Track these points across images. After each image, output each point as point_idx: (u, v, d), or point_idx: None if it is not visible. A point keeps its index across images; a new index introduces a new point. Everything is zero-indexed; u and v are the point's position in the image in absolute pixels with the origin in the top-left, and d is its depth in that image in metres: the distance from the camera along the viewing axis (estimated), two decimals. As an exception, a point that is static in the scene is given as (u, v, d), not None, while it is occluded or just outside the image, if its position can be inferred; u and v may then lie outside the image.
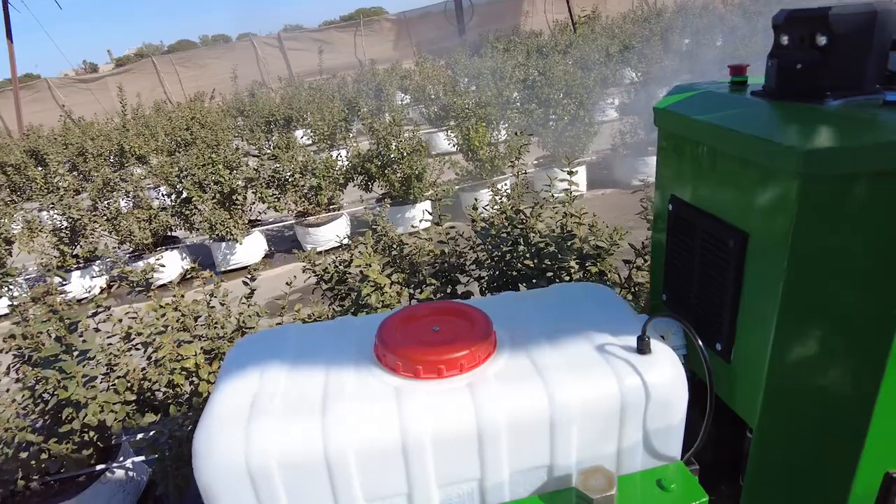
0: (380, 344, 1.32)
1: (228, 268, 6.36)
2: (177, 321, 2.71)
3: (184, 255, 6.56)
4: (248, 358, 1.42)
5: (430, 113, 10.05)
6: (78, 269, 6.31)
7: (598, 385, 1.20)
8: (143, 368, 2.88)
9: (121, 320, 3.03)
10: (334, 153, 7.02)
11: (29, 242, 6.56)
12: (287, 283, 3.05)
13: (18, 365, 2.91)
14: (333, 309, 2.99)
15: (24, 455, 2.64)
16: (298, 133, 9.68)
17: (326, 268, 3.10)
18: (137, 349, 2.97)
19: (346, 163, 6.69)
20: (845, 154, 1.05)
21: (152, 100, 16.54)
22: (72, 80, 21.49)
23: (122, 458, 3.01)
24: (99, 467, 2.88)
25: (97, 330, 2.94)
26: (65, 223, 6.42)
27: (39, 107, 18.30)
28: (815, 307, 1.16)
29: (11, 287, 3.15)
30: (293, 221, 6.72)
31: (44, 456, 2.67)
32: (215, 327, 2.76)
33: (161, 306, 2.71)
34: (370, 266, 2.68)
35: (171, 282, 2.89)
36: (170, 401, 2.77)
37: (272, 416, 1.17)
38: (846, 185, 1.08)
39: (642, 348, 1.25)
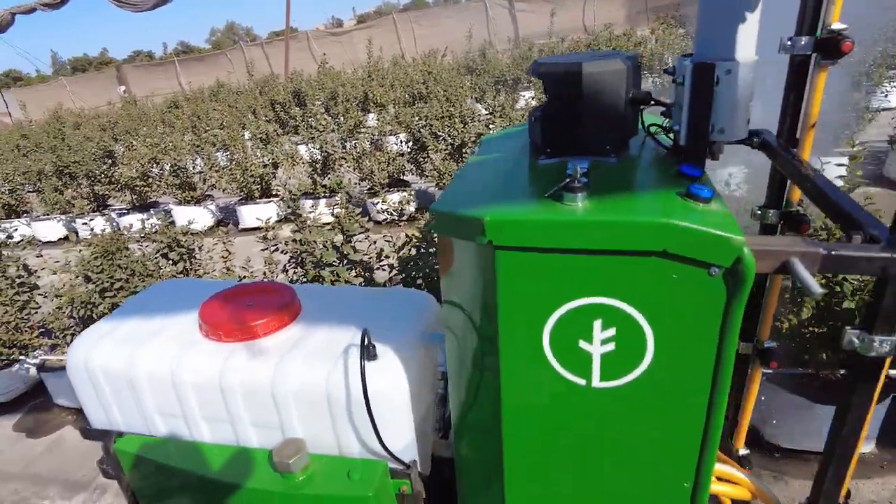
0: (201, 306, 1.64)
1: (447, 215, 6.81)
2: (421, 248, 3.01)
3: (411, 197, 7.17)
4: (147, 297, 1.91)
5: (662, 82, 9.46)
6: (325, 197, 7.27)
7: (314, 374, 1.40)
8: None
9: (375, 242, 3.47)
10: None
11: (290, 168, 7.73)
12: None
13: (293, 266, 3.51)
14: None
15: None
16: (526, 94, 9.82)
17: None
18: (383, 270, 3.38)
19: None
20: (442, 219, 1.08)
21: (390, 54, 17.98)
22: (323, 33, 24.25)
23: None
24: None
25: (353, 247, 3.40)
26: (319, 156, 7.40)
27: (299, 56, 21.02)
28: (461, 358, 1.26)
29: (290, 206, 3.76)
30: (511, 179, 6.92)
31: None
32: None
33: (413, 235, 3.03)
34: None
35: (414, 215, 3.20)
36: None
37: (111, 340, 1.64)
38: (458, 246, 1.10)
39: (367, 355, 1.37)
